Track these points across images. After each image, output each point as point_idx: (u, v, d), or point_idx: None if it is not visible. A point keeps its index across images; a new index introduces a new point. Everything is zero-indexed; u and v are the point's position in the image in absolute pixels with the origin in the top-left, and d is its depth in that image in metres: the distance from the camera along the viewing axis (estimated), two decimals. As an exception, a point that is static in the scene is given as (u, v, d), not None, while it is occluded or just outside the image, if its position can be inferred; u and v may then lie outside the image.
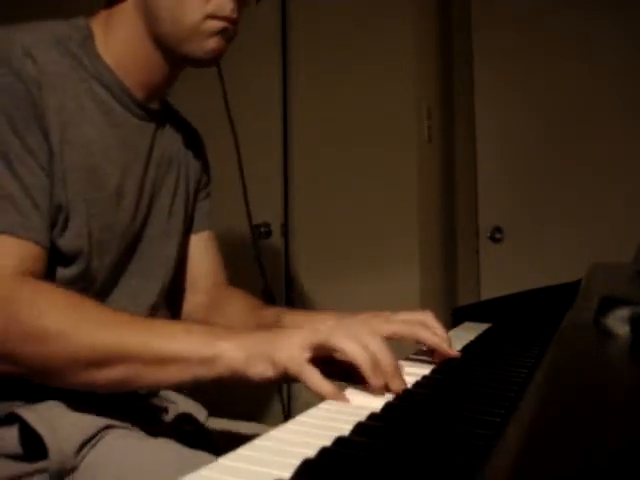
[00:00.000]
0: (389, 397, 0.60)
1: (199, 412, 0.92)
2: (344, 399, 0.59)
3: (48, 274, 0.75)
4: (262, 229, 2.20)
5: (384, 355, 0.62)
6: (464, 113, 2.42)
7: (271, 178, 2.22)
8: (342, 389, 0.62)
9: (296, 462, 0.40)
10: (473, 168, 2.37)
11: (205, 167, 1.06)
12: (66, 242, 0.76)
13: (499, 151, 2.33)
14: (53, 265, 0.76)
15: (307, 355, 0.61)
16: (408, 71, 2.06)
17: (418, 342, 0.77)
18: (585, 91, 2.21)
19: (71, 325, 0.65)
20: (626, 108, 2.15)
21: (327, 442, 0.45)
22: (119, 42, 0.82)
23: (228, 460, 0.43)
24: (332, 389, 0.60)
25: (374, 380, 0.60)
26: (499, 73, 2.31)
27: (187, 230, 0.99)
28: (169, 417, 0.89)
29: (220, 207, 1.07)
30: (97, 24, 0.83)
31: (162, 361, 0.65)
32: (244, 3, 0.83)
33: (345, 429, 0.48)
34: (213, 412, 0.94)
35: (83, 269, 0.79)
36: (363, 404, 0.58)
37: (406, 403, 0.57)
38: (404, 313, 0.79)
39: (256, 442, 0.47)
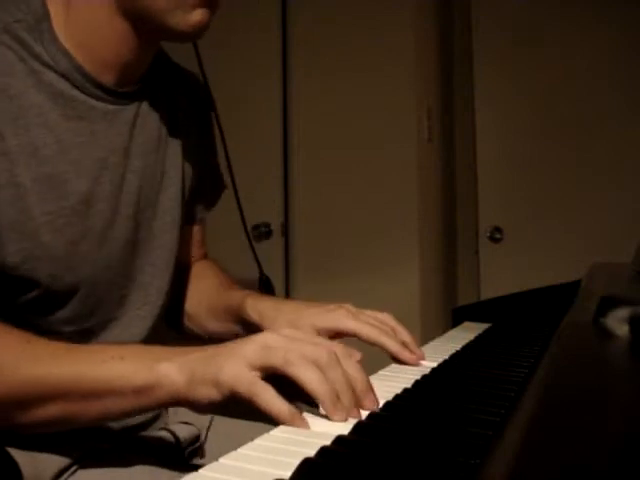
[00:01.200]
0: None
1: (202, 417, 0.85)
2: (302, 423, 0.52)
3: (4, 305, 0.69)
4: (262, 229, 2.20)
5: (346, 387, 0.55)
6: (464, 113, 2.43)
7: (271, 178, 2.22)
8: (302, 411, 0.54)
9: (296, 462, 0.40)
10: (473, 168, 2.37)
11: (207, 134, 0.94)
12: (12, 269, 0.67)
13: (499, 151, 2.33)
14: (12, 295, 0.69)
15: (256, 374, 0.54)
16: (408, 71, 2.06)
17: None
18: (585, 91, 2.21)
19: None
20: (626, 108, 2.15)
21: (327, 441, 0.45)
22: (81, 20, 0.70)
23: (228, 460, 0.43)
24: (288, 410, 0.52)
25: (334, 416, 0.53)
26: (499, 73, 2.31)
27: (186, 220, 0.90)
28: (168, 421, 0.84)
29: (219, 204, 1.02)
30: (55, 2, 0.70)
31: (97, 394, 0.59)
32: None
33: (345, 428, 0.48)
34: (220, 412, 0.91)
35: (45, 291, 0.70)
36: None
37: (406, 402, 0.57)
38: (367, 312, 0.80)
39: (256, 442, 0.47)
